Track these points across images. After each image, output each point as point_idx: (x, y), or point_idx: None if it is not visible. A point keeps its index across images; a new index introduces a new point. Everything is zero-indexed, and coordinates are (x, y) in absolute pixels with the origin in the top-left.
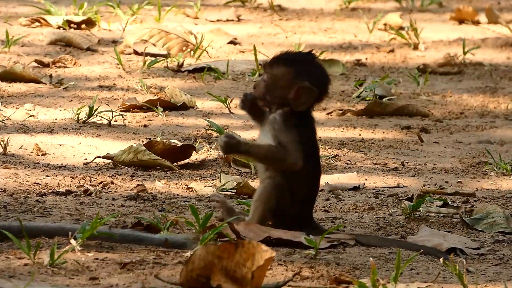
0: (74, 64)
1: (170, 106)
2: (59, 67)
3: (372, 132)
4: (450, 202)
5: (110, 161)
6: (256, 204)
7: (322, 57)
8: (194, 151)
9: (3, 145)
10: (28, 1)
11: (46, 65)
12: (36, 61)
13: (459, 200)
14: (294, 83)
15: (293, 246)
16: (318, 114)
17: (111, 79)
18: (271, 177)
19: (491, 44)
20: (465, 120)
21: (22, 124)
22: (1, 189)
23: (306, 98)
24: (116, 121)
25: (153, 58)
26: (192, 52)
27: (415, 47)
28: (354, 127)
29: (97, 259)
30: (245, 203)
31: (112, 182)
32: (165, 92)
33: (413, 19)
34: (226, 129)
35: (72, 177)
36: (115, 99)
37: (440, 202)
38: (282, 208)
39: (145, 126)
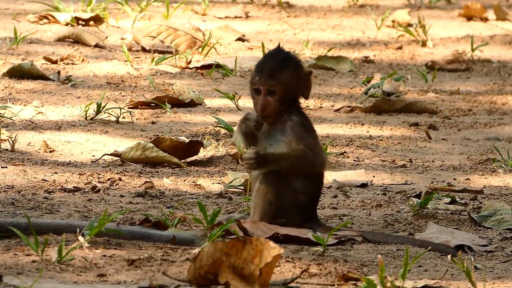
0: (82, 61)
1: (178, 103)
2: (67, 64)
3: (380, 129)
4: (458, 199)
5: (118, 158)
6: (255, 201)
7: (330, 54)
8: (202, 148)
9: (11, 142)
10: None
11: (54, 62)
12: (44, 58)
13: (467, 197)
14: (299, 76)
15: (300, 243)
16: (326, 111)
17: (119, 76)
18: (264, 173)
19: (500, 41)
20: (473, 117)
21: (30, 121)
22: (9, 185)
23: (310, 83)
24: (124, 118)
25: (161, 55)
26: (200, 49)
27: (423, 44)
28: (362, 124)
29: (105, 256)
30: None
31: (120, 179)
32: (173, 89)
33: (421, 16)
34: (234, 125)
35: (80, 174)
36: (123, 96)
37: (448, 199)
38: (283, 202)
39: (153, 123)
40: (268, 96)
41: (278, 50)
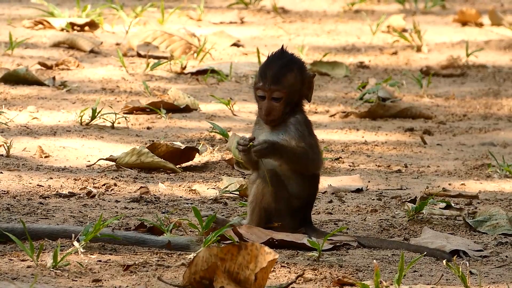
0: (77, 66)
1: (173, 108)
2: (63, 69)
3: (375, 134)
4: (453, 204)
5: (113, 163)
6: (251, 206)
7: (325, 59)
8: (197, 153)
9: (6, 148)
10: (31, 3)
11: (50, 68)
12: (39, 63)
13: (462, 202)
14: (303, 79)
15: (296, 248)
16: (321, 117)
17: (114, 81)
18: (261, 176)
19: (495, 46)
20: (468, 122)
21: (25, 126)
22: (4, 191)
23: (313, 85)
24: (119, 123)
25: (156, 60)
26: (195, 54)
27: (418, 49)
28: (357, 129)
29: (100, 261)
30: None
31: (115, 184)
32: (168, 94)
33: (416, 21)
34: (229, 131)
35: (75, 179)
36: (118, 101)
37: (443, 204)
38: (279, 207)
39: (148, 128)
40: (272, 101)
41: (282, 52)
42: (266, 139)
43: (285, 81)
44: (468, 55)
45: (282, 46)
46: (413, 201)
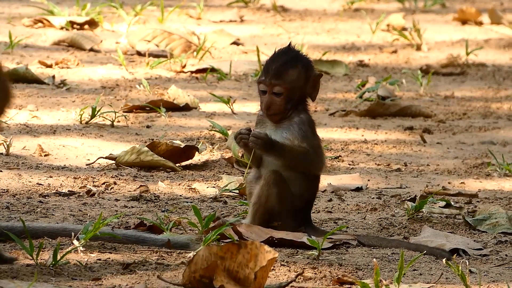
0: (77, 65)
1: (173, 107)
2: (62, 68)
3: (375, 133)
4: (452, 203)
5: (113, 161)
6: (254, 207)
7: (325, 57)
8: (197, 152)
9: (6, 146)
10: (31, 2)
11: (49, 66)
12: (39, 62)
13: (462, 201)
14: (308, 77)
15: (295, 246)
16: (321, 115)
17: (114, 80)
18: (266, 178)
19: (494, 44)
20: (468, 121)
21: (25, 125)
22: (4, 189)
23: (319, 85)
24: (119, 122)
25: (156, 59)
26: (195, 53)
27: (418, 48)
28: (357, 128)
29: (100, 259)
30: (247, 203)
31: (115, 183)
32: (168, 93)
33: (416, 20)
34: (228, 129)
35: (75, 178)
36: (118, 100)
37: (443, 203)
38: (282, 208)
39: (148, 127)
40: (273, 95)
41: (288, 48)
42: (266, 133)
43: (286, 76)
44: (468, 54)
45: (290, 43)
46: (412, 199)
